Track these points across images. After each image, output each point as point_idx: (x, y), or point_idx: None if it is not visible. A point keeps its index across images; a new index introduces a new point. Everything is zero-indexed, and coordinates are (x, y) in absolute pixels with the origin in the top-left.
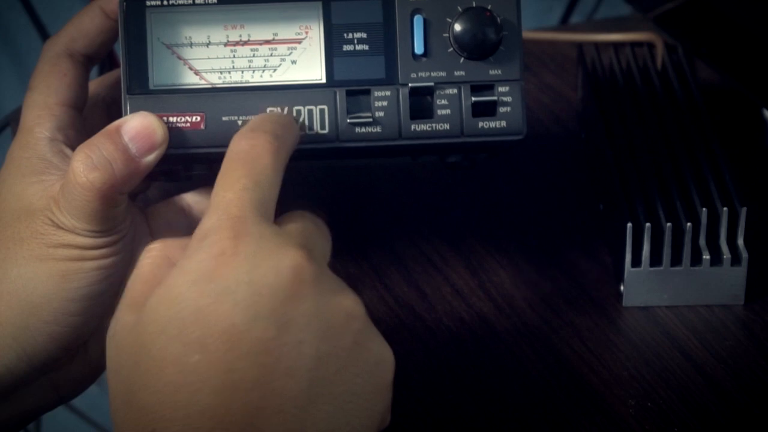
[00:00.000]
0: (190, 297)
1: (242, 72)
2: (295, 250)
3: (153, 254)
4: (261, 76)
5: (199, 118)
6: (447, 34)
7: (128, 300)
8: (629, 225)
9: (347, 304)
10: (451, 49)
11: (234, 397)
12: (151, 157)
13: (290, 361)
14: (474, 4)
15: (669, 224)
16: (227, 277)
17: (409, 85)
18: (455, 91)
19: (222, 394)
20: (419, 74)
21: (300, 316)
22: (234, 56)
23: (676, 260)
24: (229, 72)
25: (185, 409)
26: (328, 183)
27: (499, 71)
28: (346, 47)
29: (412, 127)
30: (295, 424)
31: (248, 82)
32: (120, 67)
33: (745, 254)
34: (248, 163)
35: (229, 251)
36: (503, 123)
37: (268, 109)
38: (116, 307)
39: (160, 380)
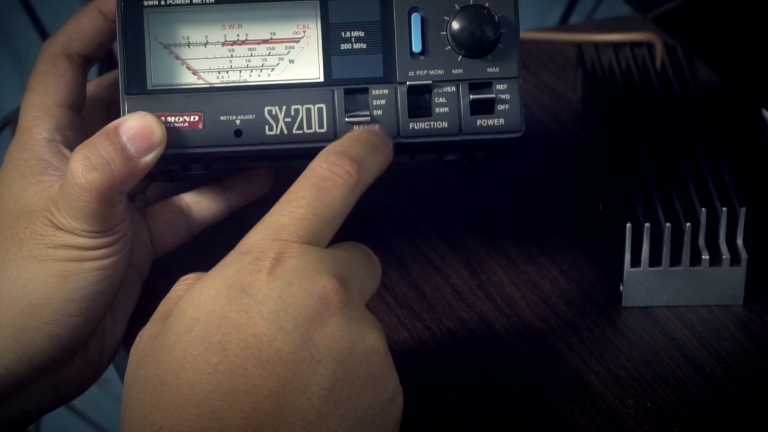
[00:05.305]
0: (219, 302)
1: (240, 71)
2: (329, 278)
3: (189, 282)
4: (259, 75)
5: (197, 118)
6: (445, 32)
7: (158, 315)
8: (628, 225)
9: (370, 339)
10: (449, 47)
11: (247, 403)
12: (149, 157)
13: (305, 377)
14: (471, 2)
15: (668, 224)
16: (259, 291)
17: (407, 83)
18: (453, 89)
19: (235, 397)
20: (417, 72)
21: (321, 339)
22: (232, 56)
23: (675, 260)
24: (227, 71)
25: (197, 408)
26: None
27: (497, 69)
28: (344, 46)
29: (411, 125)
30: None
31: (246, 82)
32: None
33: (744, 254)
34: (317, 192)
35: (267, 270)
36: (501, 121)
37: (355, 127)
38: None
39: (176, 378)
